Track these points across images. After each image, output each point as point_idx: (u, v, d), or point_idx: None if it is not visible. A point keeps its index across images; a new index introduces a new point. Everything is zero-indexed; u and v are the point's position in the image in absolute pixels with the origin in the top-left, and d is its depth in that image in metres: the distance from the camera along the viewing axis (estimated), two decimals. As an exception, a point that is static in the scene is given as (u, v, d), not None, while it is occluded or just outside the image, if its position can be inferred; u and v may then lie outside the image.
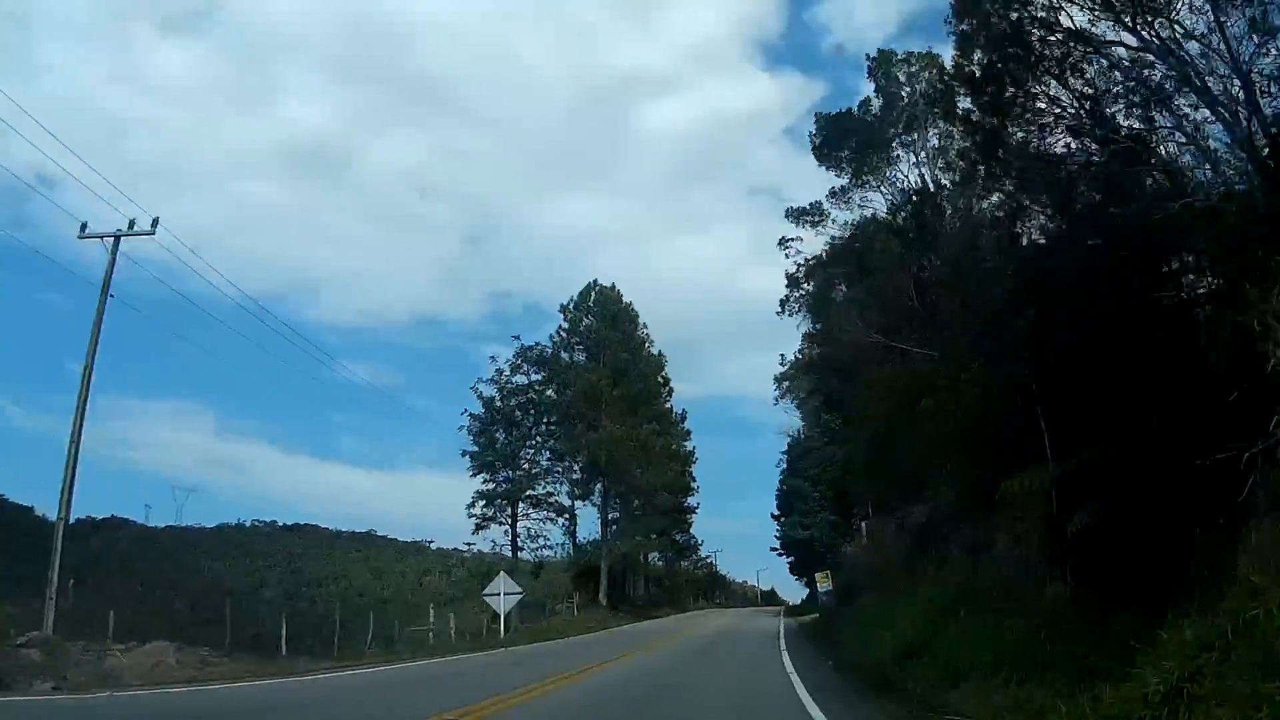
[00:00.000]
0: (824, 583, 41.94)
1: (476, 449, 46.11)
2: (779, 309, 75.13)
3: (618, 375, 62.48)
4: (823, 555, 52.01)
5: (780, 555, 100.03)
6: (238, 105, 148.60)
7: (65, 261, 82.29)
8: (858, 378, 26.77)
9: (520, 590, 37.92)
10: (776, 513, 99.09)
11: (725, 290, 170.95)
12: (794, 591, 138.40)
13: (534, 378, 47.39)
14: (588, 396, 59.22)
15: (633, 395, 62.17)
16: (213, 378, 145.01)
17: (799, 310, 74.86)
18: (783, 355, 76.84)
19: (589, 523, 65.83)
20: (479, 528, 46.90)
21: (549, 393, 48.62)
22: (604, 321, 65.61)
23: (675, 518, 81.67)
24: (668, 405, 75.47)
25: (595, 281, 67.67)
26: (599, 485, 61.77)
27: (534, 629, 42.53)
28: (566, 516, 50.34)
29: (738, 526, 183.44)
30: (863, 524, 49.87)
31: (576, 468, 59.83)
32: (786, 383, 75.74)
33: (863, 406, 23.94)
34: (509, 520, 46.63)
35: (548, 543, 48.76)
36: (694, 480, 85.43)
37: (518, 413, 46.70)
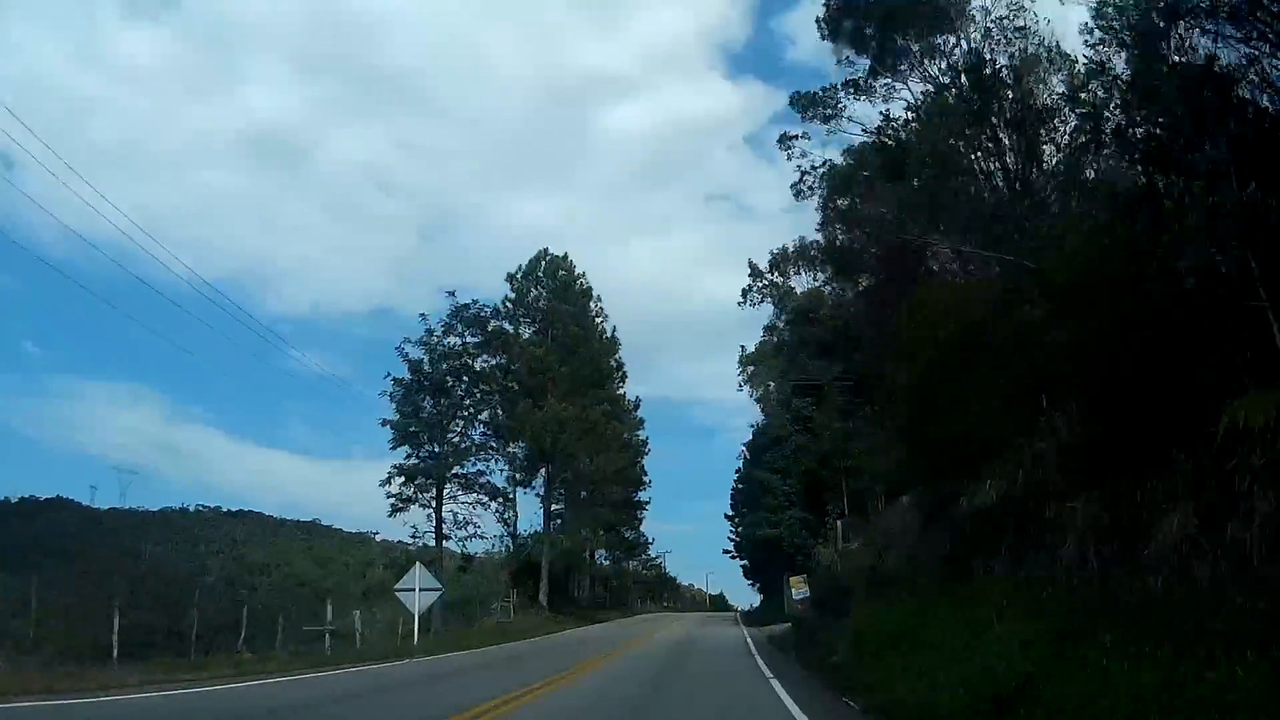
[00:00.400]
0: (799, 587, 35.79)
1: (399, 417, 39.27)
2: (740, 299, 70.43)
3: (567, 351, 56.16)
4: (791, 557, 46.02)
5: (734, 558, 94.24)
6: (200, 92, 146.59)
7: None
8: (885, 313, 20.68)
9: (439, 587, 31.45)
10: (731, 513, 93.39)
11: (680, 295, 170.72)
12: (743, 596, 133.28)
13: (470, 340, 40.86)
14: (533, 372, 52.89)
15: (583, 375, 55.82)
16: (165, 362, 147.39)
17: (761, 300, 70.91)
18: (743, 347, 71.92)
19: (530, 514, 59.64)
20: (396, 509, 40.07)
21: (485, 357, 41.99)
22: (554, 292, 59.23)
23: (625, 513, 75.57)
24: (620, 391, 69.46)
25: (546, 250, 61.34)
26: (543, 471, 55.33)
27: (458, 634, 36.10)
28: (500, 500, 43.56)
29: (685, 529, 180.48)
30: (838, 522, 44.10)
31: (519, 453, 53.45)
32: (751, 368, 70.33)
33: (902, 348, 17.66)
34: (433, 503, 39.85)
35: (478, 531, 42.05)
36: (646, 474, 79.69)
37: (449, 379, 40.00)
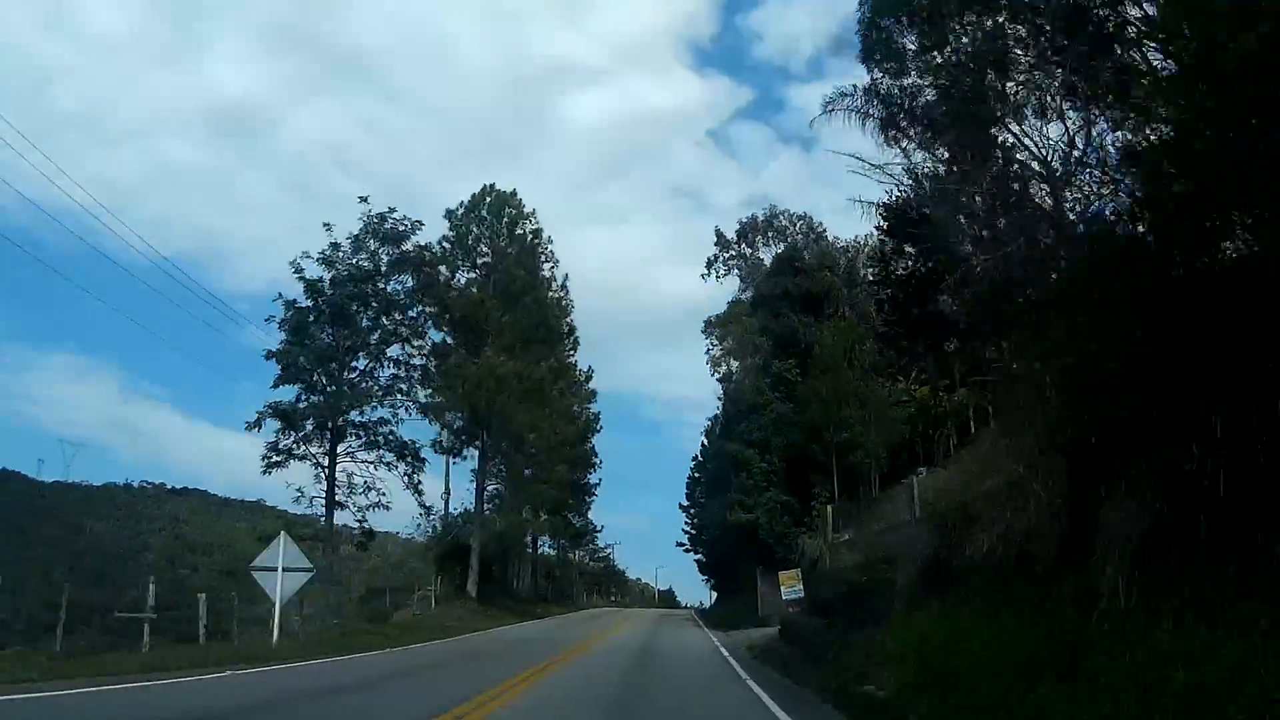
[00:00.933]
0: (790, 584, 27.80)
1: (284, 347, 30.19)
2: (704, 271, 63.18)
3: (510, 300, 47.87)
4: (769, 548, 38.08)
5: (688, 551, 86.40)
6: (164, 62, 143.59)
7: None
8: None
9: (310, 567, 23.11)
10: (686, 502, 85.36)
11: (637, 287, 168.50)
12: (694, 593, 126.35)
13: (384, 259, 31.91)
14: (469, 320, 44.78)
15: (527, 328, 47.44)
16: (122, 336, 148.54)
17: (727, 273, 63.76)
18: (707, 320, 64.62)
19: (462, 490, 51.33)
20: (272, 464, 30.60)
21: (404, 279, 32.89)
22: (497, 232, 50.82)
23: (572, 497, 67.57)
24: (571, 360, 61.25)
25: (492, 185, 52.80)
26: (480, 440, 46.93)
27: (340, 632, 27.90)
28: (410, 460, 34.06)
29: (634, 523, 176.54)
30: (828, 507, 36.38)
31: (455, 420, 45.20)
32: (717, 330, 63.08)
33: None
34: (326, 459, 30.95)
35: (383, 500, 32.80)
36: (596, 455, 71.83)
37: (354, 305, 31.08)
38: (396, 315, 32.79)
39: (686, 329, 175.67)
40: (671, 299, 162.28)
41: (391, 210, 33.29)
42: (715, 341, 63.94)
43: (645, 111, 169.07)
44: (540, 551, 73.93)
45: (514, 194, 52.69)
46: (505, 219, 51.76)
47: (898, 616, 16.86)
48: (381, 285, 32.71)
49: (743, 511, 39.26)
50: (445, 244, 49.05)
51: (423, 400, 33.53)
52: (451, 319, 45.98)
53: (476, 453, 47.12)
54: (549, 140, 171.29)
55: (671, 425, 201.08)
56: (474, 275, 49.64)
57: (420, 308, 33.68)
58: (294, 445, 30.67)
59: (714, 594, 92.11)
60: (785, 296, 44.17)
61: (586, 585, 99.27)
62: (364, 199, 33.23)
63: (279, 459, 30.37)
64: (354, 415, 31.77)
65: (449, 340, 46.08)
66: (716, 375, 64.98)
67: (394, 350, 33.05)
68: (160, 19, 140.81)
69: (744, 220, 64.62)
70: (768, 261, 57.68)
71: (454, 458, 47.61)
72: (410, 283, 33.33)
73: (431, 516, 50.83)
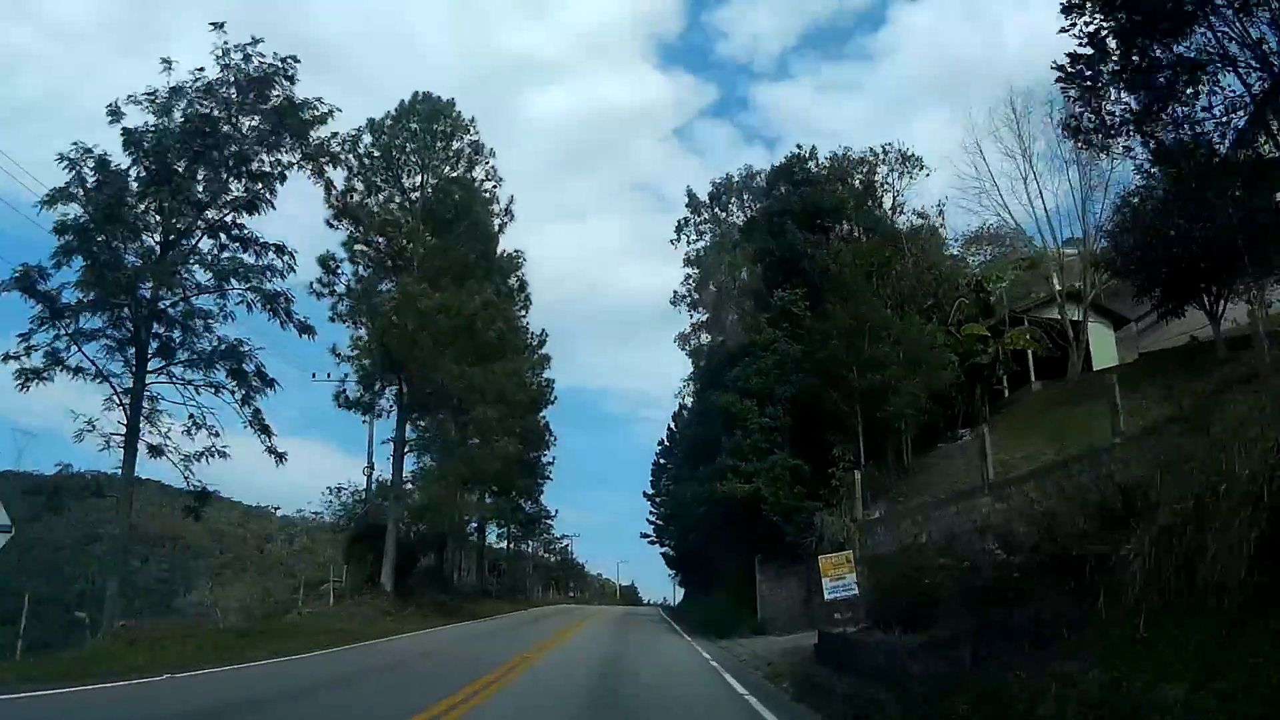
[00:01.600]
0: (836, 574, 17.57)
1: (57, 192, 19.42)
2: (674, 235, 56.95)
3: (441, 222, 38.15)
4: (773, 529, 28.47)
5: (653, 543, 77.93)
6: (127, 50, 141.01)
7: None
8: None
9: (7, 524, 13.36)
10: (652, 490, 76.62)
11: (597, 282, 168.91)
12: (655, 587, 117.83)
13: (243, 103, 21.74)
14: (391, 243, 35.35)
15: (461, 255, 37.56)
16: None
17: (698, 239, 58.18)
18: (685, 259, 56.64)
19: (383, 460, 41.59)
20: (29, 375, 19.88)
21: (265, 126, 22.06)
22: (424, 143, 40.83)
23: (522, 477, 57.57)
24: (523, 319, 51.60)
25: (426, 93, 42.75)
26: (398, 391, 37.19)
27: (128, 640, 18.29)
28: (254, 383, 22.68)
29: (594, 519, 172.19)
30: (855, 474, 26.83)
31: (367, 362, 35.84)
32: (695, 272, 54.65)
33: None
34: (129, 373, 20.46)
35: (217, 445, 21.91)
36: (551, 433, 62.06)
37: (194, 164, 20.48)
38: (246, 177, 22.32)
39: (645, 324, 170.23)
40: (631, 295, 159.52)
41: (256, 41, 23.11)
42: (686, 298, 55.49)
43: (610, 108, 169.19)
44: (489, 541, 64.25)
45: (451, 103, 42.75)
46: (439, 130, 41.93)
47: (1169, 641, 7.51)
48: (241, 147, 22.47)
49: (738, 480, 29.47)
50: (369, 158, 39.45)
51: (268, 290, 22.54)
52: (368, 245, 36.66)
53: (392, 408, 37.44)
54: (513, 133, 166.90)
55: (630, 421, 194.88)
56: (402, 199, 39.89)
57: (275, 155, 23.10)
58: (64, 345, 20.20)
59: (682, 590, 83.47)
60: (786, 212, 34.81)
61: (542, 580, 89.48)
62: (218, 25, 22.90)
63: (40, 366, 19.93)
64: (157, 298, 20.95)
65: (362, 273, 36.71)
66: (686, 350, 57.28)
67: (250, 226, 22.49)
68: (123, 6, 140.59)
69: (717, 181, 58.18)
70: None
71: (365, 415, 37.97)
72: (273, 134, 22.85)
73: (343, 492, 41.61)
